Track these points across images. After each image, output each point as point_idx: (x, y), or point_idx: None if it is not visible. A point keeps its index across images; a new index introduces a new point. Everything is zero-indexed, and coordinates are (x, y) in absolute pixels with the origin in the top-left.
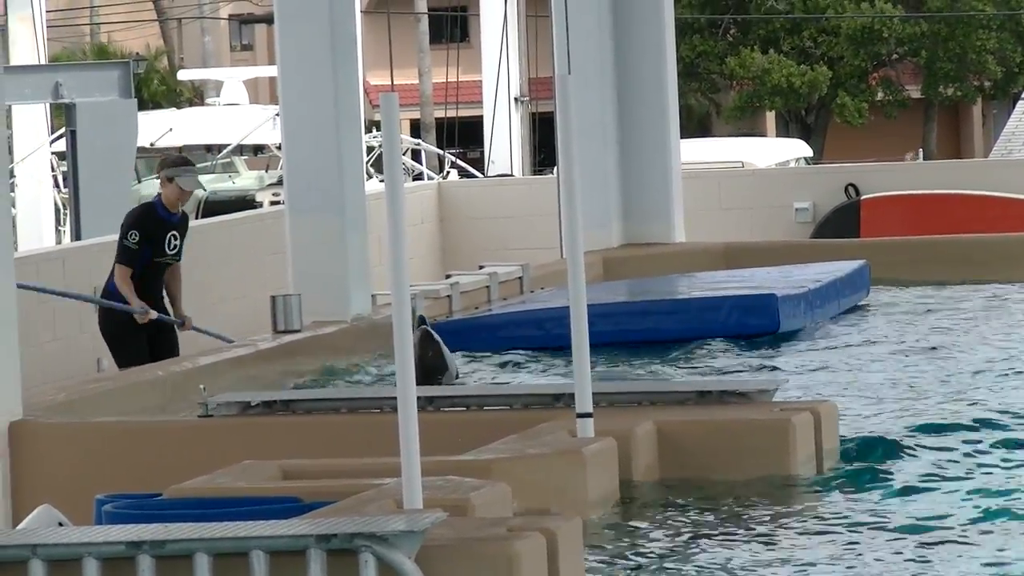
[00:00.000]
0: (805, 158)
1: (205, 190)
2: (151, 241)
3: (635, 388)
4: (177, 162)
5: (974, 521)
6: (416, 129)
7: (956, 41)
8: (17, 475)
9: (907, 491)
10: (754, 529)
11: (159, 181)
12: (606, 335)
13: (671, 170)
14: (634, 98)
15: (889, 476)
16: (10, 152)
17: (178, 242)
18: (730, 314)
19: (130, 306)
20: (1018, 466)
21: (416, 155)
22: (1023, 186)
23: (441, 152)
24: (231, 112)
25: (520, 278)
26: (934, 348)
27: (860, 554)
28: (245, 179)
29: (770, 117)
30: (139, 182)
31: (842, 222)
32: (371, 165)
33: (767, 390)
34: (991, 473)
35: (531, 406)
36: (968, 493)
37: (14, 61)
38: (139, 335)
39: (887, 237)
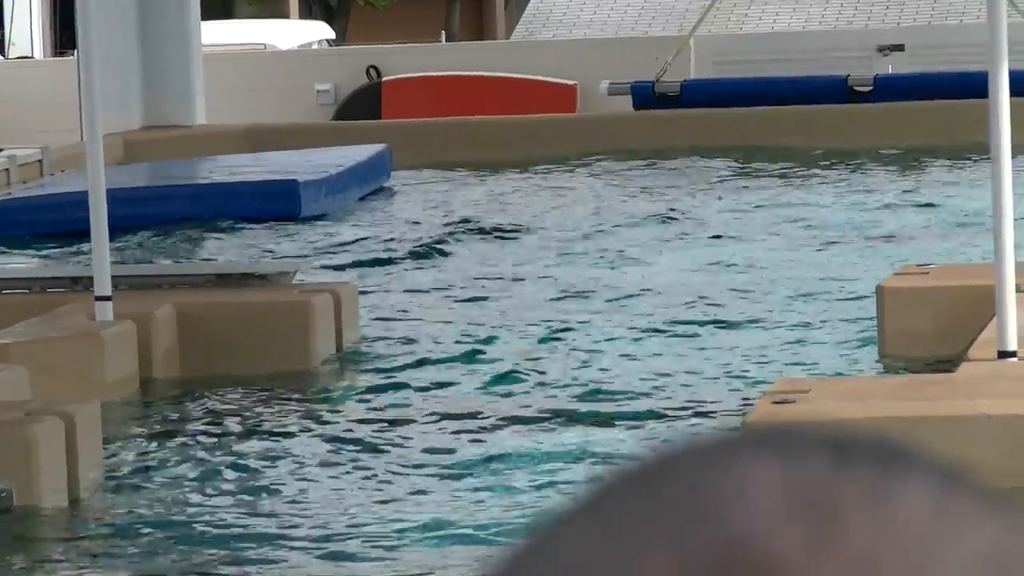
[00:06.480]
0: (328, 40)
1: None
2: None
3: (154, 271)
4: None
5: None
6: None
7: None
8: None
9: (424, 367)
10: (275, 409)
11: None
12: (125, 219)
13: (192, 52)
14: None
15: (408, 354)
16: None
17: None
18: (252, 200)
19: None
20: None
21: None
22: (544, 68)
23: None
24: None
25: (40, 161)
26: (460, 223)
27: (382, 431)
28: None
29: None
30: None
31: (363, 104)
32: None
33: (287, 272)
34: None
35: (50, 289)
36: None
37: None
38: None
39: (407, 119)
